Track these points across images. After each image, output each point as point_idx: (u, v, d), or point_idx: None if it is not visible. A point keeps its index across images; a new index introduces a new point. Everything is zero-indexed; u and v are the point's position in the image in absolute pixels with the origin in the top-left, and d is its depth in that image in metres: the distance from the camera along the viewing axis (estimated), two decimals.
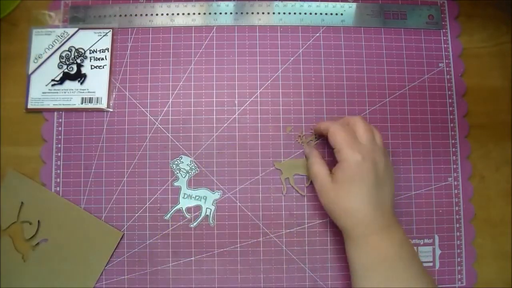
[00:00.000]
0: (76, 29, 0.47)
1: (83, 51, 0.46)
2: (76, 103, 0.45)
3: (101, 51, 0.46)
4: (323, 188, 0.39)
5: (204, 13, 0.47)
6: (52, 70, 0.46)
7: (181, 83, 0.46)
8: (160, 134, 0.45)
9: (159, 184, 0.44)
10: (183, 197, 0.44)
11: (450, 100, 0.47)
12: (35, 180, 0.44)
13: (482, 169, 0.47)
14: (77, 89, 0.46)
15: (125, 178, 0.44)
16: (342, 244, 0.44)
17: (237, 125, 0.46)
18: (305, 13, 0.47)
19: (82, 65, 0.46)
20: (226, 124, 0.46)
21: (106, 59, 0.46)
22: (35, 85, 0.46)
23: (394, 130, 0.46)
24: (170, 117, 0.45)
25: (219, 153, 0.45)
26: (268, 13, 0.47)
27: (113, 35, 0.47)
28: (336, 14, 0.47)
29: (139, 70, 0.46)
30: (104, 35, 0.47)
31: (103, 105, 0.45)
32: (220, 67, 0.46)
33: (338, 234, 0.44)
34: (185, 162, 0.45)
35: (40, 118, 0.45)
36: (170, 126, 0.45)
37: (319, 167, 0.41)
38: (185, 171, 0.45)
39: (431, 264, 0.44)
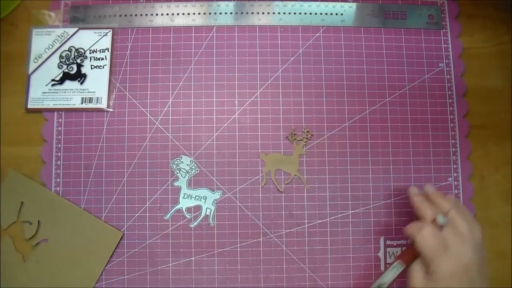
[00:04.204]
0: (76, 29, 0.47)
1: (83, 51, 0.46)
2: (76, 103, 0.45)
3: (101, 51, 0.46)
4: None
5: (204, 13, 0.47)
6: (52, 70, 0.46)
7: (181, 83, 0.46)
8: (160, 134, 0.45)
9: (159, 184, 0.44)
10: (183, 197, 0.44)
11: (450, 100, 0.47)
12: (35, 180, 0.44)
13: (482, 169, 0.47)
14: (77, 89, 0.46)
15: (125, 178, 0.44)
16: (342, 244, 0.44)
17: (237, 125, 0.46)
18: (305, 13, 0.47)
19: (82, 65, 0.46)
20: (226, 124, 0.46)
21: (106, 59, 0.46)
22: (35, 85, 0.46)
23: (394, 130, 0.46)
24: (170, 117, 0.45)
25: (219, 153, 0.45)
26: (268, 13, 0.47)
27: (113, 35, 0.47)
28: (336, 14, 0.47)
29: (139, 70, 0.46)
30: (104, 35, 0.47)
31: (103, 105, 0.45)
32: (220, 67, 0.46)
33: (338, 234, 0.44)
34: (185, 162, 0.45)
35: (40, 118, 0.45)
36: (170, 126, 0.45)
37: (415, 274, 0.38)
38: (185, 171, 0.45)
39: None
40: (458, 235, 0.37)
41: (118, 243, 0.43)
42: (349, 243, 0.44)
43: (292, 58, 0.47)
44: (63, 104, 0.45)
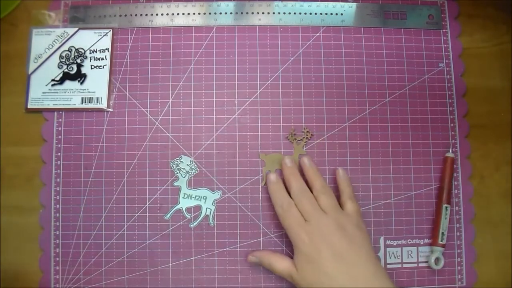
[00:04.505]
0: (76, 29, 0.47)
1: (83, 51, 0.46)
2: (76, 103, 0.45)
3: (101, 51, 0.46)
4: (295, 283, 0.38)
5: (204, 13, 0.47)
6: (52, 70, 0.46)
7: (181, 83, 0.46)
8: (160, 134, 0.45)
9: (159, 184, 0.44)
10: (183, 197, 0.44)
11: (450, 100, 0.47)
12: (35, 180, 0.44)
13: (482, 169, 0.47)
14: (77, 89, 0.46)
15: (125, 178, 0.44)
16: None
17: (237, 125, 0.46)
18: (305, 13, 0.47)
19: (82, 65, 0.46)
20: (226, 124, 0.46)
21: (106, 59, 0.46)
22: (35, 85, 0.46)
23: (394, 130, 0.46)
24: (170, 117, 0.45)
25: (219, 153, 0.45)
26: (268, 13, 0.47)
27: (113, 35, 0.47)
28: (336, 14, 0.48)
29: (139, 70, 0.46)
30: (104, 35, 0.47)
31: (103, 105, 0.45)
32: (220, 67, 0.46)
33: None
34: (185, 162, 0.45)
35: (40, 118, 0.45)
36: (170, 126, 0.45)
37: (280, 265, 0.40)
38: (185, 171, 0.45)
39: None
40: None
41: None
42: None
43: (292, 58, 0.47)
44: (63, 104, 0.45)
